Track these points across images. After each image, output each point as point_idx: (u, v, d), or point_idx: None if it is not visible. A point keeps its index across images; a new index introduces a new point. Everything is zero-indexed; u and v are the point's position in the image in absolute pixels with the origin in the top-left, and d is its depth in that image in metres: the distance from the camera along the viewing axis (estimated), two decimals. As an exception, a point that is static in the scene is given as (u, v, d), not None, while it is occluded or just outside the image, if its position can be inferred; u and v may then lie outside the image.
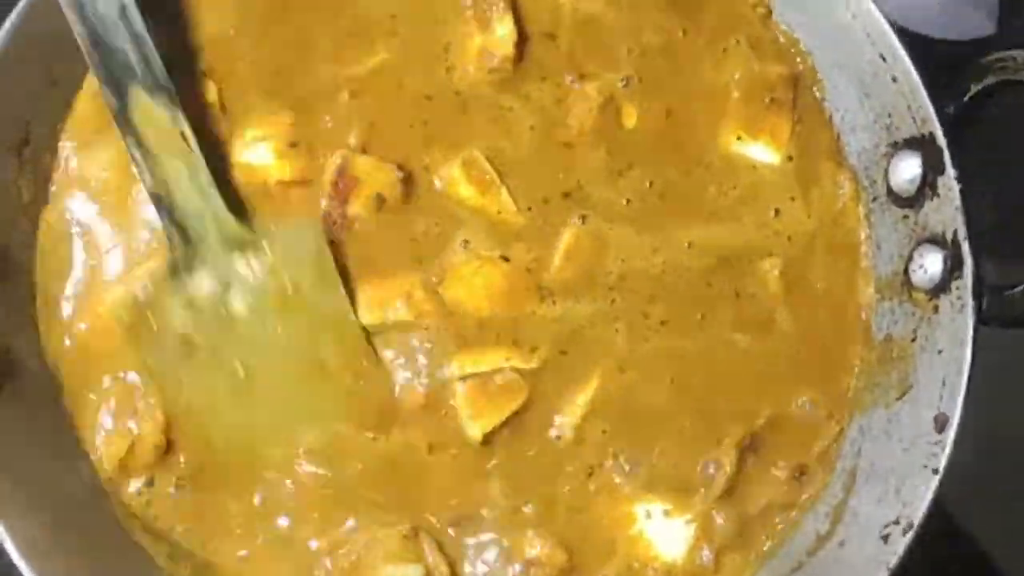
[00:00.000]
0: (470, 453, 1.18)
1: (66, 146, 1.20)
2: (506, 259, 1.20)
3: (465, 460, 1.18)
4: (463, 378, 1.18)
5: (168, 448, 1.17)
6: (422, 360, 1.19)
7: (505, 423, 1.18)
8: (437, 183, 1.20)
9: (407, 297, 1.19)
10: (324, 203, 1.19)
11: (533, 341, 1.19)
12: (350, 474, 1.18)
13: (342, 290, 1.17)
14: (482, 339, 1.19)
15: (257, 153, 1.19)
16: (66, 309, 1.18)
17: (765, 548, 1.23)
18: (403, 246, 1.20)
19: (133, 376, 1.17)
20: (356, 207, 1.19)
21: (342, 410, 1.18)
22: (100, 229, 1.19)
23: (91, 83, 1.18)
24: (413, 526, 1.18)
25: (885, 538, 1.14)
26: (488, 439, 1.17)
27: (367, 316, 1.18)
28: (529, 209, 1.21)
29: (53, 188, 1.20)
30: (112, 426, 1.17)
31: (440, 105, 1.21)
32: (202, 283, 1.15)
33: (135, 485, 1.17)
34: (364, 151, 1.19)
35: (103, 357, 1.17)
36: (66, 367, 1.18)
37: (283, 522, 1.18)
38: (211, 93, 1.19)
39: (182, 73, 1.17)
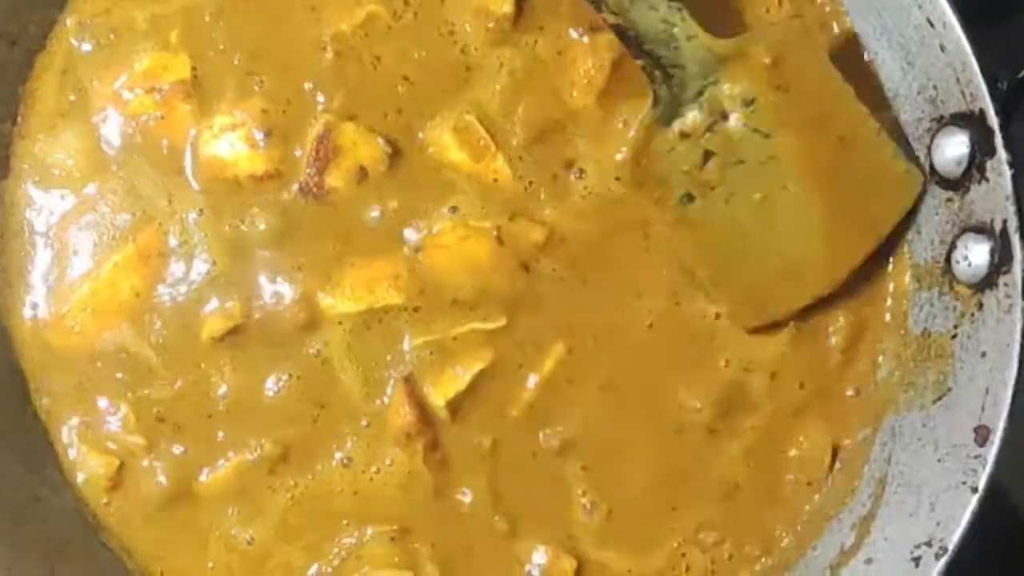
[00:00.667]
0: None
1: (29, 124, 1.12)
2: (500, 240, 1.09)
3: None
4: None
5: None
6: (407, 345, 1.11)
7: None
8: (427, 149, 1.11)
9: (394, 278, 1.09)
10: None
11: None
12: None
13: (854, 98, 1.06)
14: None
15: (226, 144, 1.09)
16: (28, 312, 1.12)
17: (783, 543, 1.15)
18: (386, 221, 1.11)
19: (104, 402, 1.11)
20: (334, 178, 1.09)
21: None
22: (64, 220, 1.11)
23: (50, 61, 1.09)
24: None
25: (916, 561, 1.04)
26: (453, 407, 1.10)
27: (351, 303, 1.10)
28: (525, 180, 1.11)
29: (13, 163, 1.12)
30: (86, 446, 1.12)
31: (434, 63, 1.11)
32: (692, 117, 1.06)
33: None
34: (350, 118, 1.09)
35: (71, 363, 1.11)
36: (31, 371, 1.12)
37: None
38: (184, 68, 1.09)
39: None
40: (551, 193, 1.11)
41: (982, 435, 1.03)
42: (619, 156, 1.11)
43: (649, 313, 1.13)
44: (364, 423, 1.12)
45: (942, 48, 1.04)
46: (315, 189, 1.09)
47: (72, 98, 1.11)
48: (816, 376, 1.15)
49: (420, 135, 1.10)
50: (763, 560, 1.15)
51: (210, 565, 1.12)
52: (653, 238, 1.12)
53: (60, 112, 1.11)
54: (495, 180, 1.11)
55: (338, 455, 1.11)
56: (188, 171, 1.11)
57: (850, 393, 1.15)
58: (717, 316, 1.13)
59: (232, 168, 1.10)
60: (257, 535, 1.12)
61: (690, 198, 1.08)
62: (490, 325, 1.10)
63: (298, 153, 1.11)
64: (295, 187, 1.10)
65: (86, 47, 1.12)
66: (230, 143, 1.09)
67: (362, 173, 1.09)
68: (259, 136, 1.10)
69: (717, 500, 1.13)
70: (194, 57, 1.11)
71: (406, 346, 1.10)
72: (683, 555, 1.13)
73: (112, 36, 1.12)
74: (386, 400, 1.11)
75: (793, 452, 1.15)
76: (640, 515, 1.13)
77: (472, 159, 1.10)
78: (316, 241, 1.11)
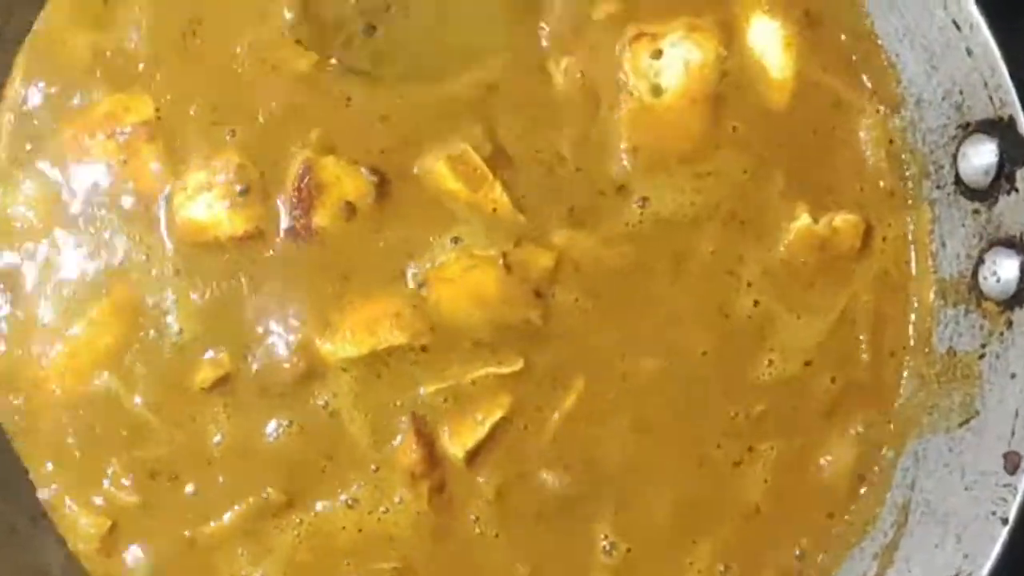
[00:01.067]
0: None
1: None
2: (507, 266, 1.03)
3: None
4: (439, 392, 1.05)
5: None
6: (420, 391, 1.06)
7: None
8: (419, 179, 1.04)
9: (396, 316, 1.03)
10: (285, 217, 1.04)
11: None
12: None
13: None
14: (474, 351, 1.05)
15: (203, 205, 1.03)
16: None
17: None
18: (383, 257, 1.05)
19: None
20: (321, 217, 1.03)
21: None
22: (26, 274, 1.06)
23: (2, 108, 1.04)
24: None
25: (942, 595, 0.99)
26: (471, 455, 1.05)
27: (353, 347, 1.03)
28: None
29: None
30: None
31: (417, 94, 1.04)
32: None
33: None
34: (331, 152, 1.02)
35: (51, 425, 1.07)
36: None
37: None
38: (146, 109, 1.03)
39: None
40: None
41: (1013, 462, 0.97)
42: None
43: (688, 336, 1.07)
44: (373, 468, 1.06)
45: (968, 52, 0.97)
46: (303, 231, 1.03)
47: (28, 147, 1.05)
48: (846, 369, 1.08)
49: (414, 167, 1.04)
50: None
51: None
52: (689, 259, 1.06)
53: (17, 162, 1.06)
54: (494, 210, 1.04)
55: (343, 497, 1.06)
56: (162, 228, 1.05)
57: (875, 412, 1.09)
58: (756, 303, 1.06)
59: (212, 231, 1.04)
60: (268, 573, 1.07)
61: (372, 28, 1.02)
62: (506, 369, 1.04)
63: (280, 204, 1.05)
64: (282, 231, 1.04)
65: (36, 96, 1.06)
66: (207, 204, 1.03)
67: (350, 209, 1.03)
68: (237, 191, 1.03)
69: (736, 528, 1.08)
70: (156, 98, 1.05)
71: (420, 391, 1.05)
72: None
73: (63, 78, 1.06)
74: (395, 444, 1.06)
75: (817, 474, 1.09)
76: (661, 551, 1.07)
77: (469, 189, 1.03)
78: (309, 286, 1.05)
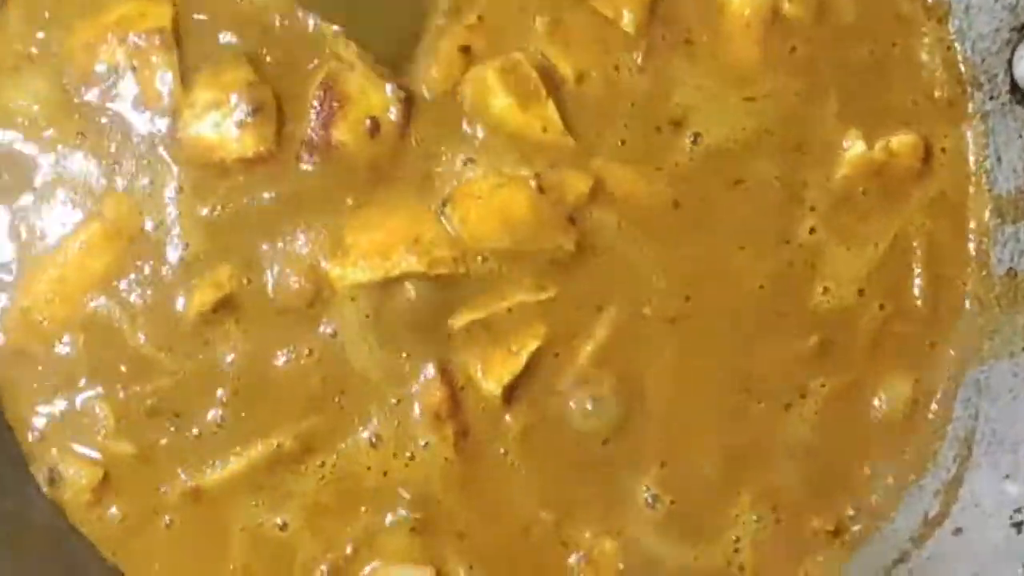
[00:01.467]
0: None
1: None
2: (540, 188, 0.95)
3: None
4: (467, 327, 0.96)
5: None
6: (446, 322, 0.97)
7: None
8: (459, 95, 0.97)
9: (413, 241, 0.95)
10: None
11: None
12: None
13: None
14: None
15: (211, 124, 0.95)
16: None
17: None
18: (406, 177, 0.97)
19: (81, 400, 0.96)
20: (342, 131, 0.95)
21: None
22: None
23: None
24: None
25: (1018, 526, 0.91)
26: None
27: (363, 272, 0.95)
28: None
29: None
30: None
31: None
32: None
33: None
34: (360, 62, 0.95)
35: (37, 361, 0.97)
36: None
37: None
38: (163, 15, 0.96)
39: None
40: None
41: (1085, 381, 0.90)
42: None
43: (735, 266, 0.99)
44: (394, 401, 0.97)
45: (1025, -56, 0.92)
46: (321, 145, 0.95)
47: (39, 37, 0.97)
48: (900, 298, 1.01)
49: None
50: (834, 537, 1.01)
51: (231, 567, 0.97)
52: (741, 186, 0.99)
53: (26, 57, 0.97)
54: (544, 130, 0.97)
55: (365, 434, 0.97)
56: (166, 145, 0.97)
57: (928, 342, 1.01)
58: (812, 231, 1.00)
59: (219, 151, 0.95)
60: (290, 520, 0.97)
61: None
62: (540, 296, 0.96)
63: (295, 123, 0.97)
64: (300, 145, 0.96)
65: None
66: (215, 123, 0.95)
67: (375, 125, 0.95)
68: (247, 112, 0.95)
69: (786, 474, 1.00)
70: (175, 5, 0.97)
71: (445, 323, 0.96)
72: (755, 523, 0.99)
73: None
74: (419, 383, 0.97)
75: (871, 411, 1.01)
76: (705, 500, 0.99)
77: (519, 106, 0.96)
78: (320, 204, 0.96)
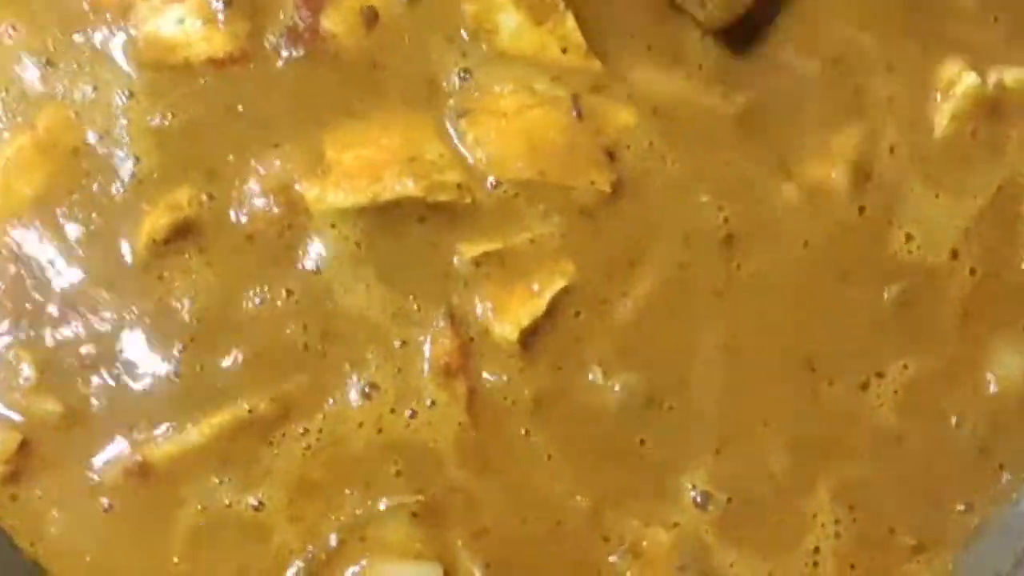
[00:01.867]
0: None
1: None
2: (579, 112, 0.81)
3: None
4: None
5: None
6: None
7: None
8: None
9: (410, 160, 0.79)
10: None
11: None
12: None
13: None
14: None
15: (173, 20, 0.83)
16: None
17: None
18: (406, 79, 0.83)
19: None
20: (333, 21, 0.82)
21: None
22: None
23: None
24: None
25: None
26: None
27: (345, 195, 0.80)
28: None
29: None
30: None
31: None
32: None
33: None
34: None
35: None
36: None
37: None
38: None
39: None
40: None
41: None
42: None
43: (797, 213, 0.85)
44: (398, 343, 0.81)
45: None
46: (306, 35, 0.83)
47: None
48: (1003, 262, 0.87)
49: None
50: (923, 551, 0.83)
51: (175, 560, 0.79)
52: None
53: None
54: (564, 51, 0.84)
55: (356, 385, 0.81)
56: (116, 43, 0.84)
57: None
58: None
59: (183, 51, 0.83)
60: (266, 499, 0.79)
61: None
62: (564, 230, 0.82)
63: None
64: (281, 35, 0.83)
65: None
66: (178, 18, 0.83)
67: (371, 15, 0.83)
68: (218, 5, 0.82)
69: (868, 465, 0.84)
70: None
71: (453, 259, 0.81)
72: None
73: None
74: (424, 336, 0.81)
75: (979, 384, 0.86)
76: (767, 503, 0.82)
77: (532, 20, 0.84)
78: (298, 112, 0.83)
